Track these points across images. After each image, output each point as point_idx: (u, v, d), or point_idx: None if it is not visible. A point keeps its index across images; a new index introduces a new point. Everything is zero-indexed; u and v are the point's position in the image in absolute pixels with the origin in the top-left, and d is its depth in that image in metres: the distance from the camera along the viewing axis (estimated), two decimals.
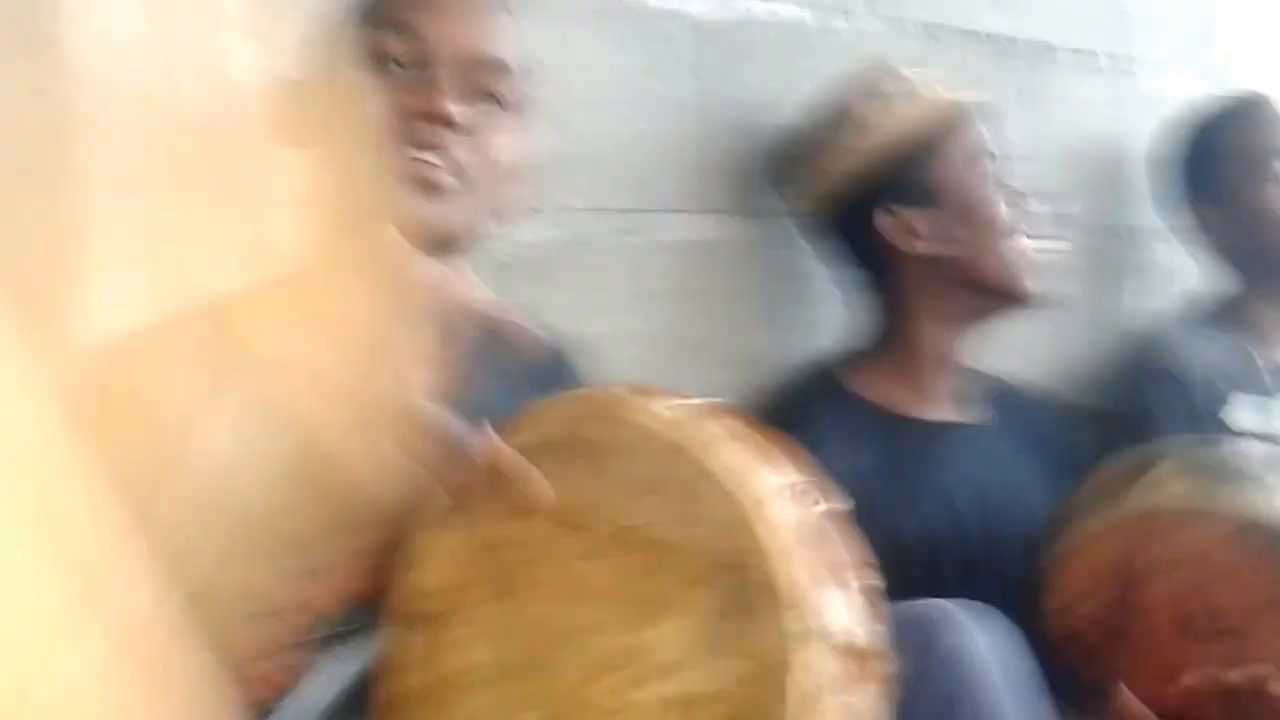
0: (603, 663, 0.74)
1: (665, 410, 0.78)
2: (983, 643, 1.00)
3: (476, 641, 0.78)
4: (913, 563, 1.25)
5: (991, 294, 1.32)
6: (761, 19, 1.42)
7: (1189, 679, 1.11)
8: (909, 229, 1.30)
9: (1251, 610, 1.13)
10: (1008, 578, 1.31)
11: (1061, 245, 1.37)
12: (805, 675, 0.70)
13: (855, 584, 0.76)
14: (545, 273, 1.26)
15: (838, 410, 1.30)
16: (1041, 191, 1.37)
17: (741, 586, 0.72)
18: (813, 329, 1.45)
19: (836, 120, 1.32)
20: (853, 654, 0.73)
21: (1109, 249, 1.83)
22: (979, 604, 1.05)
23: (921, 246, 1.30)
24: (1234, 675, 1.09)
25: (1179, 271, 1.82)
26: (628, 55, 1.32)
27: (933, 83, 1.36)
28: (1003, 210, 1.31)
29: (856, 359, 1.36)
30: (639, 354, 1.33)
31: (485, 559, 0.79)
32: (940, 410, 1.35)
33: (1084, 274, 1.79)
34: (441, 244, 0.89)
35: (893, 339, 1.34)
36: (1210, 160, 1.68)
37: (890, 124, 1.31)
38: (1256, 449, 1.24)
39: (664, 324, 1.35)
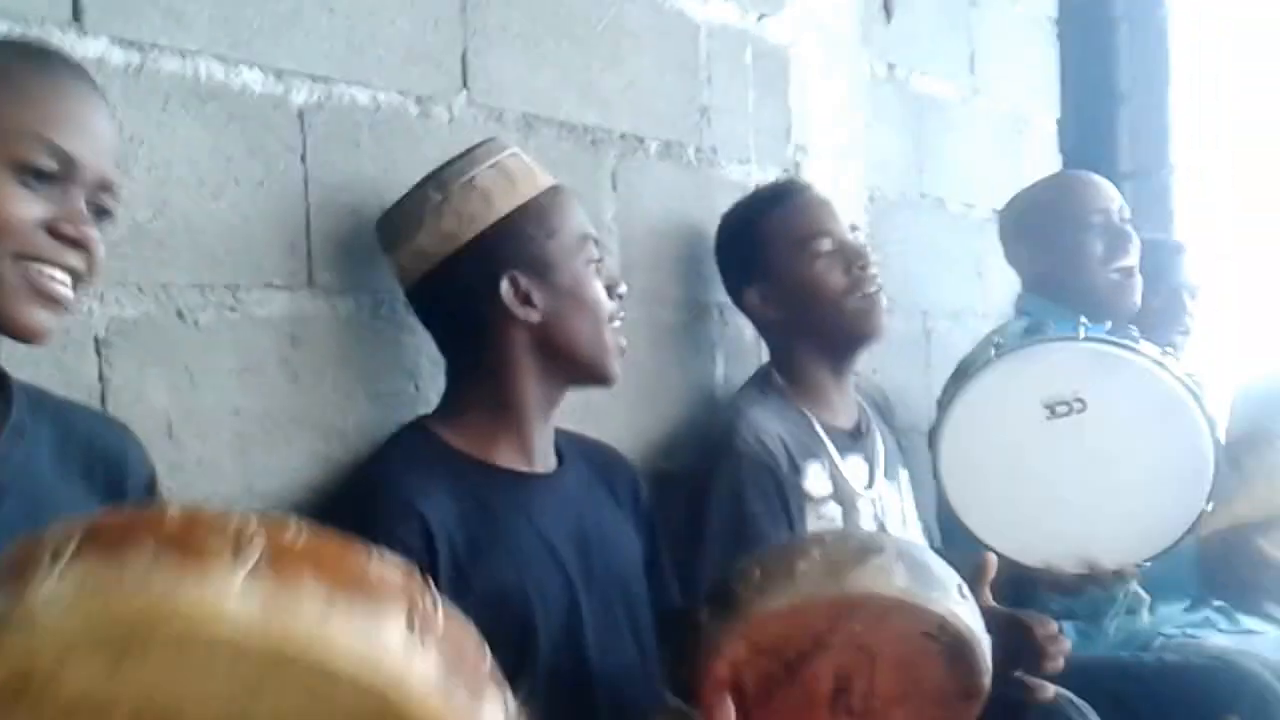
0: None
1: (233, 598, 0.64)
2: None
3: None
4: (522, 606, 1.31)
5: (583, 369, 1.41)
6: (365, 106, 1.47)
7: None
8: (526, 298, 1.35)
9: (895, 699, 1.21)
10: (611, 617, 1.41)
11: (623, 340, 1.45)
12: None
13: (490, 670, 0.74)
14: (145, 348, 1.25)
15: (439, 465, 1.34)
16: (622, 279, 1.48)
17: None
18: (416, 400, 1.49)
19: (458, 190, 1.36)
20: None
21: (700, 325, 1.99)
22: None
23: (534, 316, 1.36)
24: None
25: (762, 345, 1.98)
26: (229, 138, 1.32)
27: (535, 166, 1.42)
28: (602, 296, 1.40)
29: (454, 417, 1.39)
30: (242, 429, 1.32)
31: None
32: (537, 463, 1.41)
33: (678, 348, 1.95)
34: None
35: (492, 398, 1.38)
36: (758, 241, 1.83)
37: (515, 196, 1.36)
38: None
39: (267, 398, 1.35)
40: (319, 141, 1.42)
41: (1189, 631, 2.06)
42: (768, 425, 1.74)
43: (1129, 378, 1.66)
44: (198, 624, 0.64)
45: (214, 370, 1.31)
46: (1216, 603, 2.14)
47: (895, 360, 2.34)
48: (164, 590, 0.64)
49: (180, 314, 1.29)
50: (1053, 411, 1.66)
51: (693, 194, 1.96)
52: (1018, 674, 1.31)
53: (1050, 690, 1.35)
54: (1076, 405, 1.65)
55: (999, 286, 2.62)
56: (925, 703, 1.23)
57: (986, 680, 1.21)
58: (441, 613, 0.71)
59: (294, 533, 0.68)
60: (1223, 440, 1.71)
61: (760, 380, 1.87)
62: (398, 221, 1.39)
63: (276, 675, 0.66)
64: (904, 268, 2.42)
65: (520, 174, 1.39)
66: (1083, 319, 1.80)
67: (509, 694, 0.75)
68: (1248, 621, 2.13)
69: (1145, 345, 1.67)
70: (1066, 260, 2.17)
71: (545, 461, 1.42)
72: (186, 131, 1.29)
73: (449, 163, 1.39)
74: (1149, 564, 1.70)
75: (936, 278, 2.51)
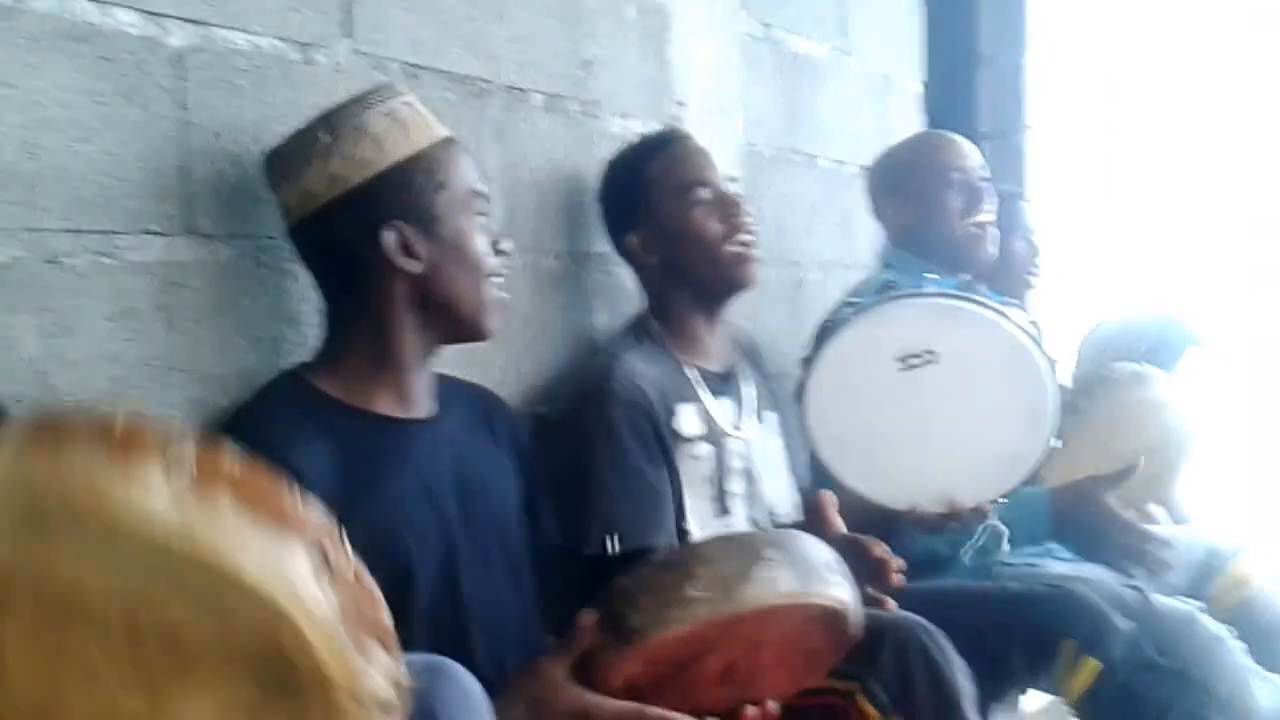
0: None
1: (161, 500, 0.67)
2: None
3: None
4: (400, 550, 1.32)
5: (460, 324, 1.40)
6: (244, 51, 1.43)
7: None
8: (408, 249, 1.34)
9: (775, 663, 1.28)
10: (489, 560, 1.42)
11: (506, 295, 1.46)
12: None
13: (385, 631, 0.76)
14: (15, 294, 1.21)
15: (313, 412, 1.33)
16: (507, 234, 1.49)
17: (285, 675, 0.71)
18: (297, 347, 1.47)
19: (349, 134, 1.33)
20: (393, 700, 0.76)
21: (581, 274, 2.00)
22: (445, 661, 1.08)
23: (415, 267, 1.34)
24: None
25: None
26: (104, 80, 1.28)
27: (432, 116, 1.40)
28: (485, 252, 1.39)
29: (331, 364, 1.38)
30: (119, 376, 1.30)
31: None
32: (415, 409, 1.40)
33: (559, 296, 1.97)
34: None
35: (370, 346, 1.37)
36: (640, 187, 1.87)
37: (406, 145, 1.34)
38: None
39: (144, 345, 1.32)
40: (197, 86, 1.38)
41: (1031, 561, 2.17)
42: (641, 369, 1.78)
43: (973, 328, 1.75)
44: (118, 515, 0.66)
45: (88, 317, 1.28)
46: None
47: (769, 308, 2.40)
48: (92, 479, 0.66)
49: (53, 260, 1.25)
50: (906, 364, 1.74)
51: (575, 146, 1.97)
52: (867, 589, 1.41)
53: (892, 603, 1.47)
54: (928, 356, 1.74)
55: (865, 239, 2.70)
56: (801, 658, 1.31)
57: (858, 632, 1.29)
58: (352, 566, 0.74)
59: (226, 457, 0.71)
60: (1067, 383, 1.81)
61: (635, 326, 1.90)
62: (286, 159, 1.37)
63: (182, 577, 0.68)
64: (778, 221, 2.47)
65: (414, 123, 1.37)
66: (931, 274, 1.88)
67: (400, 667, 0.76)
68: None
69: (988, 297, 1.76)
70: (927, 214, 2.25)
71: (424, 407, 1.42)
72: (59, 73, 1.25)
73: (342, 105, 1.36)
74: (1004, 500, 1.81)
75: (808, 230, 2.57)
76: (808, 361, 1.83)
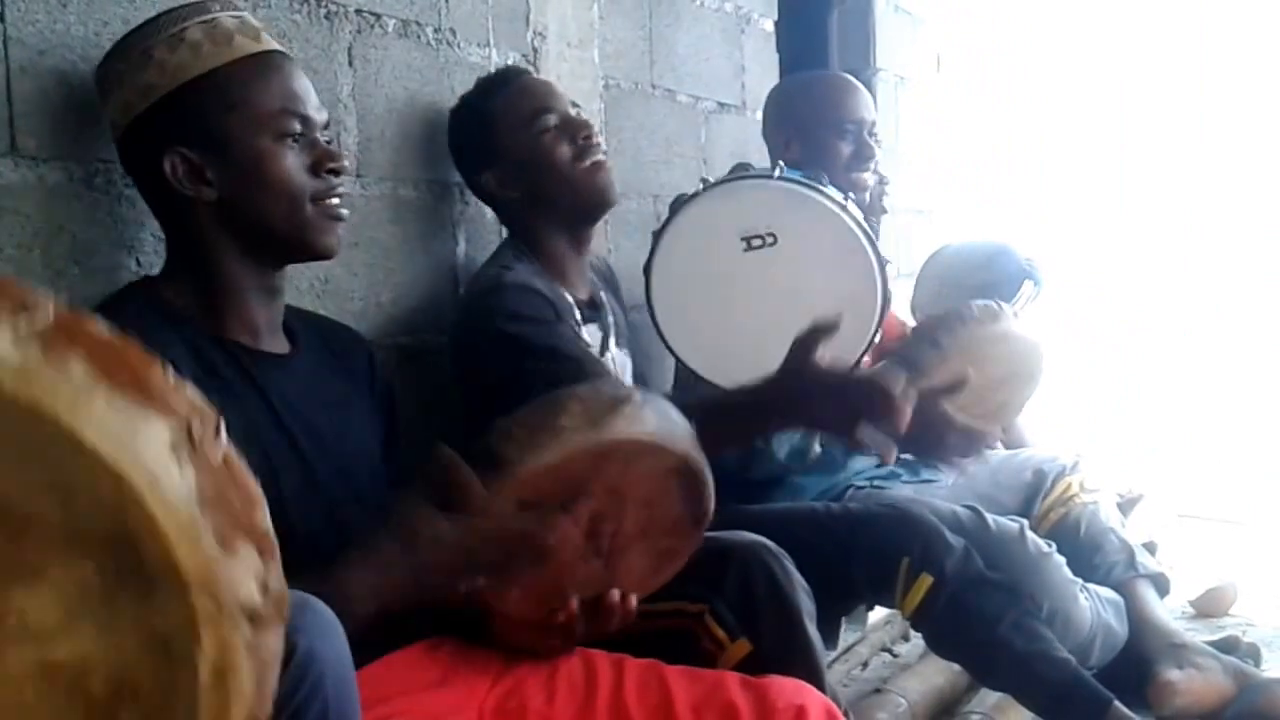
0: None
1: (10, 346, 0.59)
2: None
3: None
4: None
5: (286, 246, 1.29)
6: None
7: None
8: (199, 175, 1.22)
9: (637, 535, 1.26)
10: (347, 503, 1.32)
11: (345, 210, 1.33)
12: (219, 651, 0.64)
13: (260, 533, 0.68)
14: None
15: (167, 324, 1.22)
16: (344, 151, 1.38)
17: (136, 563, 0.63)
18: (135, 276, 1.36)
19: (164, 41, 1.21)
20: (262, 610, 0.67)
21: (441, 203, 1.92)
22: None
23: (208, 194, 1.23)
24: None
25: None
26: None
27: (243, 30, 1.26)
28: (293, 173, 1.26)
29: (176, 286, 1.27)
30: None
31: None
32: (265, 342, 1.31)
33: (419, 225, 1.88)
34: None
35: (202, 271, 1.27)
36: (486, 126, 1.80)
37: (189, 65, 1.21)
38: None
39: None
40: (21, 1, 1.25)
41: (877, 483, 2.20)
42: (532, 282, 1.72)
43: (815, 216, 1.73)
44: None
45: None
46: (905, 457, 2.28)
47: (627, 240, 2.35)
48: None
49: None
50: (749, 244, 1.71)
51: (433, 74, 1.88)
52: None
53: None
54: (769, 239, 1.71)
55: (722, 173, 2.66)
56: (661, 535, 1.30)
57: (712, 506, 1.29)
58: (223, 452, 0.66)
59: (88, 320, 0.62)
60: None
61: (509, 254, 1.82)
62: (107, 70, 1.25)
63: (14, 432, 0.59)
64: (635, 154, 2.41)
65: (231, 35, 1.24)
66: (780, 164, 1.83)
67: (274, 567, 0.68)
68: (928, 472, 2.28)
69: (831, 190, 1.74)
70: (815, 156, 2.23)
71: (275, 341, 1.32)
72: None
73: (168, 10, 1.24)
74: None
75: (666, 164, 2.52)
76: (656, 235, 1.79)
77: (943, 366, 2.11)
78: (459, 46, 1.93)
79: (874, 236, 1.75)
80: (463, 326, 1.74)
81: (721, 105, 2.69)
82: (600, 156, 1.81)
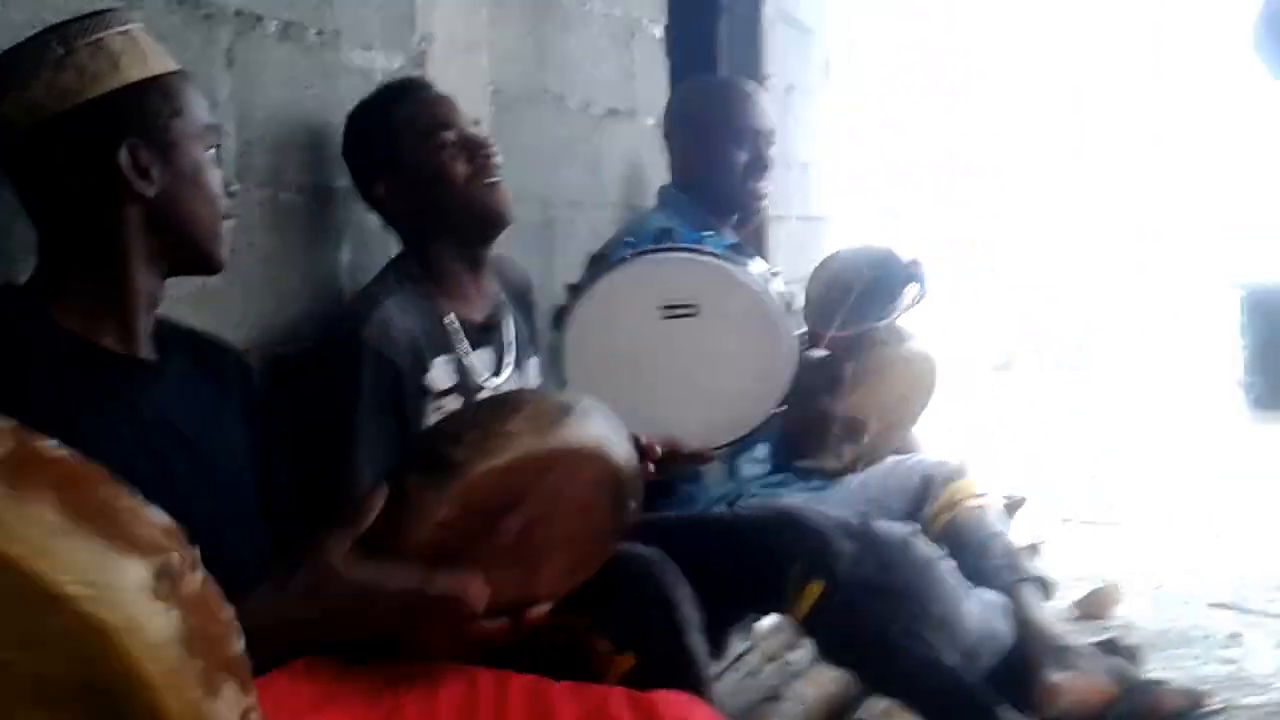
0: None
1: None
2: None
3: None
4: None
5: (195, 254, 1.33)
6: None
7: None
8: (144, 171, 1.26)
9: (563, 543, 1.27)
10: (217, 517, 1.33)
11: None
12: None
13: (238, 663, 0.67)
14: None
15: (28, 334, 1.23)
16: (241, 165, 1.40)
17: (119, 713, 0.60)
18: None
19: (84, 48, 1.24)
20: None
21: (325, 210, 1.92)
22: None
23: (149, 190, 1.26)
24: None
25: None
26: None
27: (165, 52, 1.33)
28: (220, 188, 1.33)
29: (49, 290, 1.28)
30: None
31: None
32: (139, 350, 1.31)
33: (301, 233, 1.88)
34: None
35: (98, 273, 1.28)
36: (384, 136, 1.82)
37: (144, 69, 1.27)
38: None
39: None
40: None
41: (767, 491, 2.27)
42: (398, 319, 1.74)
43: (740, 294, 1.84)
44: None
45: None
46: (797, 464, 2.37)
47: (518, 247, 2.37)
48: None
49: None
50: (669, 311, 1.82)
51: (316, 78, 1.88)
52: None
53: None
54: (690, 310, 1.82)
55: (615, 180, 2.72)
56: (584, 543, 1.32)
57: (634, 518, 1.33)
58: (200, 580, 0.65)
59: (50, 446, 0.61)
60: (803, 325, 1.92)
61: (397, 271, 1.85)
62: (7, 69, 1.25)
63: None
64: (525, 160, 2.44)
65: (150, 50, 1.30)
66: (709, 233, 1.97)
67: (253, 695, 0.67)
68: (818, 479, 2.37)
69: (756, 263, 1.86)
70: (712, 163, 2.30)
71: (146, 348, 1.33)
72: None
73: (75, 19, 1.26)
74: (724, 450, 1.92)
75: (556, 170, 2.56)
76: (575, 289, 1.86)
77: (857, 387, 2.25)
78: (342, 50, 1.94)
79: (792, 307, 1.88)
80: (321, 344, 1.77)
81: (612, 111, 2.75)
82: (497, 177, 1.84)
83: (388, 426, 1.69)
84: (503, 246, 2.30)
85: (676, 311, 1.82)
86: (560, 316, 1.84)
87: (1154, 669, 2.50)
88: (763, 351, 1.84)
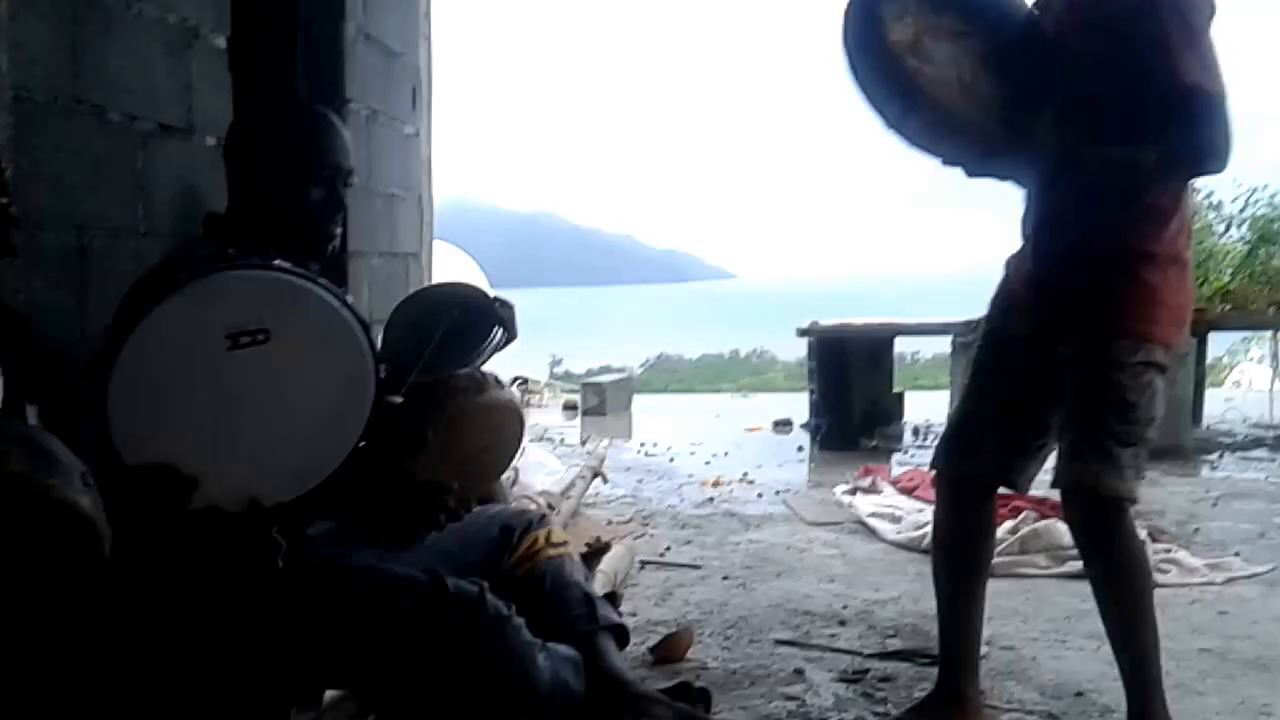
0: None
1: None
2: None
3: None
4: None
5: None
6: None
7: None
8: None
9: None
10: None
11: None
12: None
13: None
14: None
15: None
16: None
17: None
18: None
19: None
20: None
21: None
22: None
23: None
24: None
25: None
26: None
27: None
28: None
29: None
30: None
31: None
32: None
33: None
34: None
35: None
36: None
37: None
38: None
39: None
40: None
41: (338, 552, 2.14)
42: None
43: (310, 311, 1.65)
44: None
45: None
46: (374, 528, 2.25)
47: (45, 277, 2.12)
48: None
49: None
50: (235, 342, 1.59)
51: None
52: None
53: None
54: (260, 336, 1.60)
55: (165, 203, 2.50)
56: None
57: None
58: None
59: None
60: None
61: None
62: None
63: None
64: (56, 178, 2.19)
65: None
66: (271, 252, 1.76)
67: None
68: None
69: (325, 281, 1.69)
70: (281, 196, 2.09)
71: None
72: None
73: None
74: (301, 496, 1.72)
75: (94, 191, 2.31)
76: (118, 329, 1.61)
77: (441, 436, 2.13)
78: None
79: (369, 328, 1.71)
80: None
81: (164, 127, 2.52)
82: (4, 200, 1.62)
83: None
84: (22, 276, 2.04)
85: (244, 340, 1.58)
86: (99, 366, 1.55)
87: (722, 709, 2.60)
88: (341, 384, 1.68)
